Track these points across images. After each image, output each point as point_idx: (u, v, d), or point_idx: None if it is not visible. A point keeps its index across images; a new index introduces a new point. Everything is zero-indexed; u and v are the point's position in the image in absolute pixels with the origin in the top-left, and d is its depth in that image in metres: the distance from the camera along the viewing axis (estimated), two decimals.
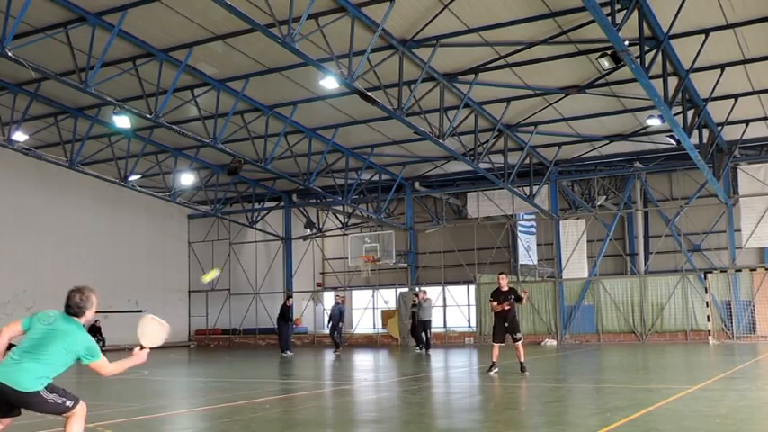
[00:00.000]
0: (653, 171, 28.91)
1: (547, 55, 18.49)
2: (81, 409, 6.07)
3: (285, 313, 24.87)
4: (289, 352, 23.70)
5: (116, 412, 10.09)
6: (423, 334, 23.87)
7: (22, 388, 5.69)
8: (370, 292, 35.11)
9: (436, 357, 22.20)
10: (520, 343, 14.32)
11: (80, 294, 6.16)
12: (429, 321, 23.92)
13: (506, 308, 14.29)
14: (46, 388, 5.80)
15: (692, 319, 25.72)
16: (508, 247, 34.68)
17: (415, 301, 25.39)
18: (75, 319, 6.12)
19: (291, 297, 27.17)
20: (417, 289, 27.85)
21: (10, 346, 6.21)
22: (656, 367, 16.44)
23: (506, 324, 14.33)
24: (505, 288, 14.57)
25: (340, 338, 25.41)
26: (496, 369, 14.25)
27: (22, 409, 5.96)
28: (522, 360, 14.23)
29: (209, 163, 28.87)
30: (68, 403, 5.93)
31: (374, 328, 34.22)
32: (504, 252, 34.39)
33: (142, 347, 6.27)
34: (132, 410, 10.41)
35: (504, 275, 14.83)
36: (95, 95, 18.20)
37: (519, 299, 14.56)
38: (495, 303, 14.37)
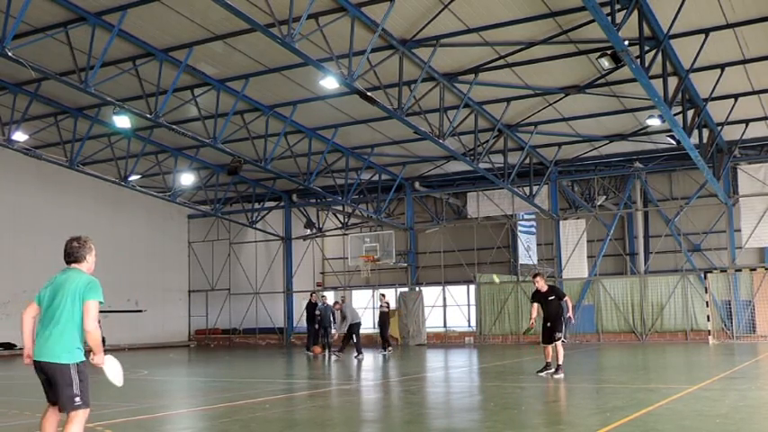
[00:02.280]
0: (653, 171, 28.91)
1: (547, 55, 18.49)
2: (85, 415, 6.13)
3: (310, 312, 24.43)
4: (308, 352, 23.31)
5: (116, 412, 10.08)
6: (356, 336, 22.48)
7: (56, 359, 5.82)
8: (370, 292, 35.10)
9: (436, 357, 22.20)
10: (559, 343, 13.79)
11: (76, 241, 6.29)
12: (358, 325, 22.37)
13: (532, 325, 14.22)
14: (78, 366, 5.92)
15: (692, 319, 25.73)
16: (508, 246, 34.68)
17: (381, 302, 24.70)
18: (75, 266, 6.19)
19: (313, 294, 25.96)
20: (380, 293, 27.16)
21: None
22: (656, 367, 16.45)
23: (548, 324, 13.89)
24: (544, 288, 14.10)
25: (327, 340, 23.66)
26: (548, 371, 13.71)
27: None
28: (561, 362, 13.72)
29: (209, 163, 28.87)
30: (78, 400, 5.98)
31: (374, 327, 34.20)
32: (504, 252, 34.39)
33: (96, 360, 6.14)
34: (132, 410, 10.41)
35: (539, 276, 14.32)
36: (95, 95, 18.20)
37: (562, 296, 14.18)
38: (534, 310, 14.11)
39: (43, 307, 6.01)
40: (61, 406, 5.98)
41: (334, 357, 21.48)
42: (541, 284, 14.14)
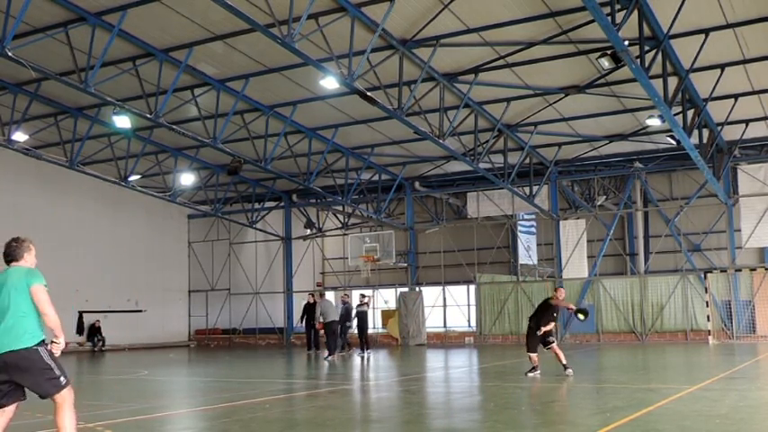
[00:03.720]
0: (653, 171, 28.91)
1: (547, 55, 18.48)
2: (71, 395, 6.06)
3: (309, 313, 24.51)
4: (315, 349, 23.40)
5: (116, 412, 10.09)
6: (342, 337, 22.53)
7: (19, 345, 5.83)
8: (370, 291, 35.09)
9: (436, 357, 22.19)
10: (555, 345, 13.99)
11: (14, 241, 6.36)
12: (332, 323, 22.02)
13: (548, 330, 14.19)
14: (43, 345, 5.92)
15: (692, 319, 25.72)
16: (508, 247, 34.68)
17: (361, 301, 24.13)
18: (14, 264, 6.24)
19: (313, 295, 25.91)
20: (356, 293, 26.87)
21: None
22: (656, 367, 16.45)
23: (539, 333, 13.98)
24: (558, 302, 14.16)
25: (344, 340, 24.11)
26: (538, 371, 13.81)
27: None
28: (564, 362, 13.78)
29: (209, 163, 28.87)
30: (63, 379, 5.97)
31: (374, 327, 34.20)
32: (504, 252, 34.40)
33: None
34: (132, 410, 10.41)
35: (562, 289, 14.42)
36: (95, 95, 18.20)
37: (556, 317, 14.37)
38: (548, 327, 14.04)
39: None
40: (44, 393, 5.96)
41: (328, 358, 21.22)
42: (561, 297, 14.24)
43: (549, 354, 14.32)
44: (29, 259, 6.31)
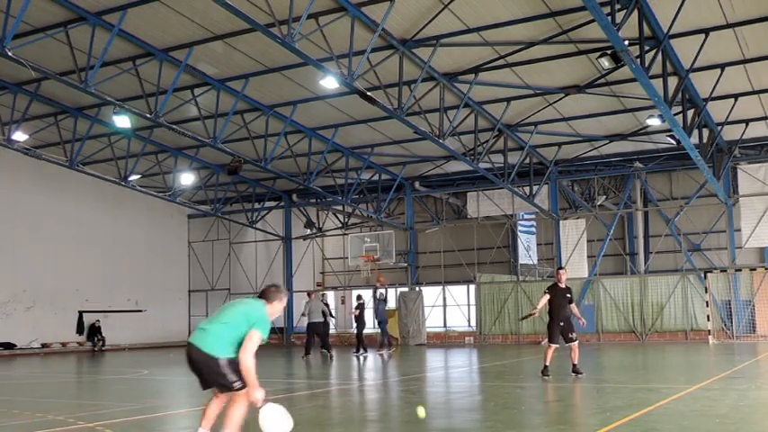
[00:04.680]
0: (653, 171, 28.91)
1: (547, 55, 18.49)
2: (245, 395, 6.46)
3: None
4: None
5: (116, 412, 10.09)
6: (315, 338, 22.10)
7: (205, 349, 6.42)
8: (370, 291, 35.07)
9: (436, 357, 22.19)
10: (576, 344, 13.55)
11: (273, 286, 6.82)
12: (313, 324, 21.89)
13: (535, 314, 14.01)
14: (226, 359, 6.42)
15: (692, 319, 25.71)
16: (508, 246, 34.68)
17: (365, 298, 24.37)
18: (262, 299, 6.68)
19: (312, 294, 25.24)
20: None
21: None
22: (656, 367, 16.45)
23: (562, 324, 13.52)
24: (563, 285, 13.80)
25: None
26: (548, 375, 13.30)
27: None
28: (576, 362, 13.47)
29: (209, 163, 28.87)
30: (237, 384, 6.39)
31: (374, 327, 34.19)
32: (504, 252, 34.40)
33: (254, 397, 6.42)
34: (132, 410, 10.41)
35: (565, 270, 14.10)
36: (95, 95, 18.20)
37: (571, 300, 13.83)
38: (543, 302, 13.71)
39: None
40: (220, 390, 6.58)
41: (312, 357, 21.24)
42: (563, 279, 13.89)
43: (564, 352, 14.03)
44: (276, 306, 6.66)
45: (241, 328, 6.32)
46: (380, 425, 9.09)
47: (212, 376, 6.36)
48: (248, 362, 6.24)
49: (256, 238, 34.99)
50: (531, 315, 14.67)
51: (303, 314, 22.79)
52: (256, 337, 6.28)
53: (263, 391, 6.34)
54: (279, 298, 6.62)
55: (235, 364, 6.29)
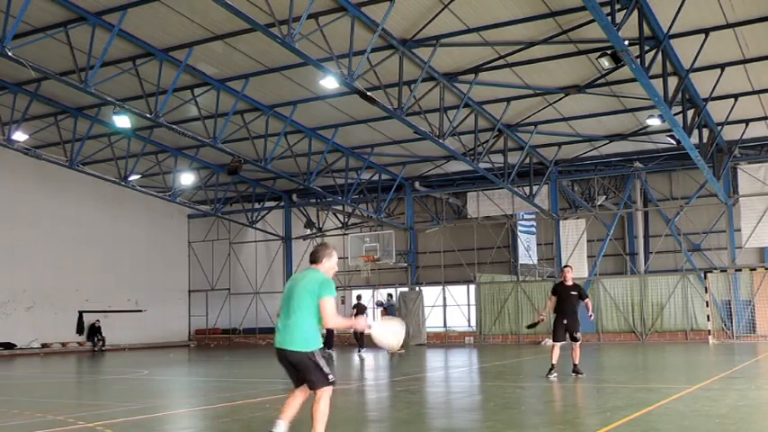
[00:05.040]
0: (653, 171, 28.92)
1: (547, 55, 18.48)
2: (329, 391, 6.61)
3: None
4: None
5: (116, 412, 10.09)
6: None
7: (292, 347, 6.49)
8: (370, 291, 35.11)
9: (436, 357, 22.19)
10: (578, 344, 13.52)
11: (320, 245, 6.82)
12: None
13: (542, 320, 13.90)
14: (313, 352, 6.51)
15: (692, 319, 25.70)
16: (508, 246, 34.69)
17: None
18: (314, 266, 6.67)
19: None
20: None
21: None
22: (656, 367, 16.44)
23: (565, 322, 13.45)
24: (570, 282, 13.64)
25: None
26: (556, 374, 13.25)
27: None
28: (577, 362, 13.44)
29: (209, 163, 28.87)
30: (330, 377, 6.55)
31: None
32: (504, 252, 34.40)
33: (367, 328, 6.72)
34: (132, 410, 10.41)
35: (570, 268, 13.92)
36: (95, 95, 18.20)
37: (584, 296, 13.73)
38: (551, 304, 13.68)
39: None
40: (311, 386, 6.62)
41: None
42: (569, 278, 13.70)
43: (544, 355, 14.09)
44: (326, 264, 6.66)
45: (313, 306, 6.37)
46: (380, 425, 9.09)
47: (307, 373, 6.45)
48: (337, 322, 6.50)
49: (256, 238, 34.99)
50: (538, 322, 14.60)
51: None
52: (329, 304, 6.35)
53: (364, 321, 6.73)
54: (327, 255, 6.63)
55: (319, 354, 6.44)
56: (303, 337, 6.38)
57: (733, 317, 24.97)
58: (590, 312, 13.85)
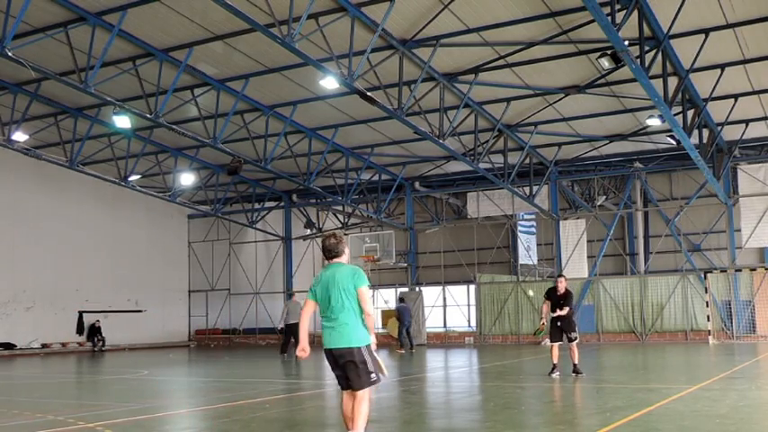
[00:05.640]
0: (653, 171, 28.92)
1: (547, 55, 18.49)
2: (370, 391, 6.63)
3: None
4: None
5: (116, 412, 10.09)
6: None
7: (348, 345, 6.52)
8: (370, 291, 35.07)
9: (436, 357, 22.19)
10: (575, 344, 13.65)
11: (332, 237, 6.79)
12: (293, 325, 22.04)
13: (562, 313, 13.72)
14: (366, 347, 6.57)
15: (692, 319, 25.71)
16: (508, 246, 34.69)
17: None
18: (337, 260, 6.74)
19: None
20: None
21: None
22: (656, 367, 16.44)
23: (559, 324, 13.66)
24: (562, 291, 13.83)
25: (408, 339, 25.25)
26: (558, 372, 13.48)
27: None
28: (576, 362, 13.57)
29: (209, 163, 28.87)
30: (374, 376, 6.56)
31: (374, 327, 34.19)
32: (504, 252, 34.40)
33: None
34: (132, 410, 10.41)
35: (563, 278, 14.13)
36: (95, 95, 18.20)
37: (570, 304, 13.80)
38: (546, 308, 13.84)
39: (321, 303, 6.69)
40: (358, 386, 6.54)
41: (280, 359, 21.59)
42: (562, 287, 13.89)
43: (544, 355, 14.14)
44: (348, 253, 6.84)
45: (354, 299, 6.49)
46: (380, 425, 9.08)
47: (354, 372, 6.44)
48: (373, 315, 6.66)
49: (256, 238, 34.99)
50: (541, 328, 14.63)
51: (282, 317, 23.81)
52: (367, 293, 6.54)
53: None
54: (345, 245, 6.76)
55: (371, 350, 6.52)
56: (353, 333, 6.49)
57: (733, 317, 24.97)
58: (547, 316, 13.85)
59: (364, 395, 6.53)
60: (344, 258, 6.72)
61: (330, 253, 6.70)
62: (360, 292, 6.50)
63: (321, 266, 36.76)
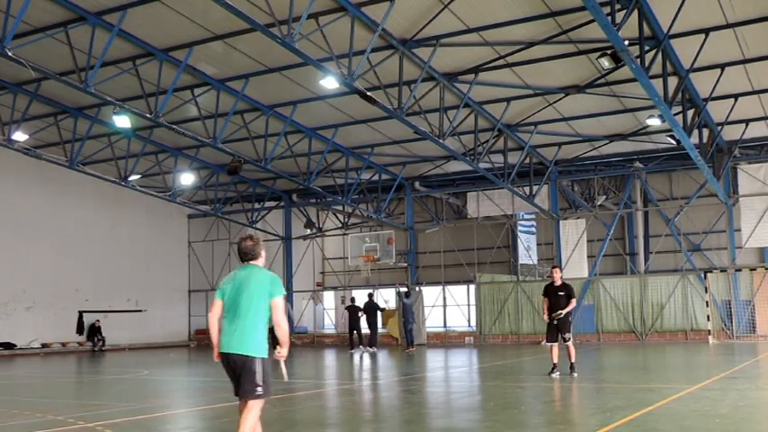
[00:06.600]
0: (653, 171, 28.91)
1: (547, 55, 18.48)
2: (260, 405, 6.41)
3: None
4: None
5: (116, 412, 10.09)
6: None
7: (244, 352, 6.19)
8: (370, 291, 35.04)
9: (436, 357, 22.19)
10: (570, 343, 13.68)
11: (249, 239, 6.46)
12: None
13: (561, 314, 13.71)
14: (262, 359, 6.23)
15: (692, 319, 25.70)
16: (508, 246, 34.67)
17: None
18: (253, 262, 6.38)
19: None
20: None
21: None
22: (656, 367, 16.45)
23: (555, 322, 13.68)
24: (559, 282, 13.82)
25: (411, 336, 25.44)
26: (558, 372, 13.54)
27: None
28: (573, 360, 13.61)
29: (209, 163, 28.87)
30: (260, 390, 6.31)
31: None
32: (504, 252, 34.39)
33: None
34: (132, 410, 10.42)
35: (557, 269, 14.12)
36: (95, 95, 18.20)
37: (571, 295, 13.82)
38: (546, 305, 13.86)
39: (225, 303, 6.31)
40: (242, 394, 6.31)
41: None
42: (557, 278, 13.90)
43: (544, 355, 14.14)
44: (264, 257, 6.48)
45: (265, 307, 6.17)
46: (381, 425, 9.09)
47: (245, 379, 6.20)
48: (285, 327, 6.28)
49: None
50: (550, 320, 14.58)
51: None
52: (281, 305, 6.20)
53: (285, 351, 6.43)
54: (262, 248, 6.44)
55: (266, 363, 6.26)
56: (253, 342, 6.15)
57: (733, 317, 24.97)
58: (561, 313, 13.75)
59: (253, 406, 6.27)
60: (261, 261, 6.40)
61: (246, 256, 6.37)
62: (274, 302, 6.16)
63: (321, 267, 36.91)
